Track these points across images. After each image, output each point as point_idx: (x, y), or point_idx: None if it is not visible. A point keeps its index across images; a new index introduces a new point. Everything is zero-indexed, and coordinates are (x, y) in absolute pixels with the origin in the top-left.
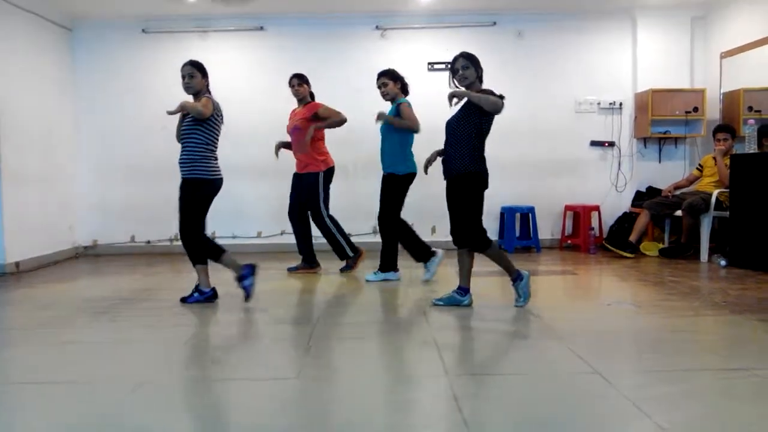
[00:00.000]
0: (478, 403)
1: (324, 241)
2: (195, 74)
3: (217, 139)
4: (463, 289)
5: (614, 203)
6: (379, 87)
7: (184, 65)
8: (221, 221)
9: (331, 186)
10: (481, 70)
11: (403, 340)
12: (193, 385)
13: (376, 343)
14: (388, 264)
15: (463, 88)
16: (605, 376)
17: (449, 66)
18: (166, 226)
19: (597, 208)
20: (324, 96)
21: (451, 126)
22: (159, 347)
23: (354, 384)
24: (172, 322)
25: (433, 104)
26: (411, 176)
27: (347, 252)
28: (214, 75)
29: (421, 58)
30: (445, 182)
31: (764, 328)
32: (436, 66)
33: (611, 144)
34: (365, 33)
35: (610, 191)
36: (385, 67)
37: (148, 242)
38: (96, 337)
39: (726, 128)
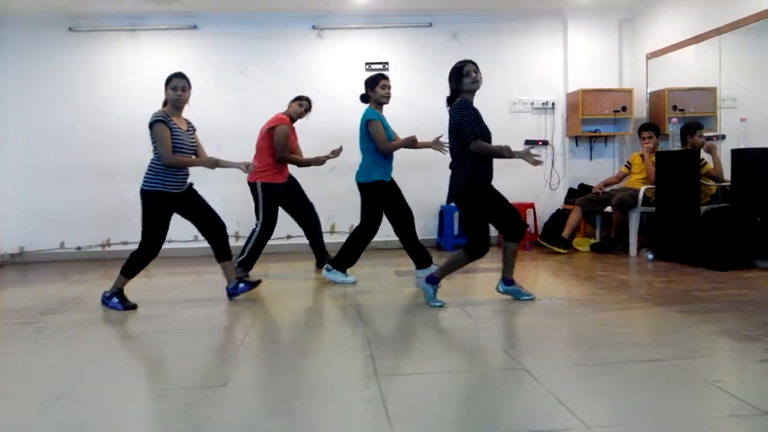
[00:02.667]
0: (404, 403)
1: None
2: (187, 88)
3: None
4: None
5: (548, 200)
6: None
7: (178, 77)
8: None
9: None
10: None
11: (337, 342)
12: (115, 396)
13: (309, 347)
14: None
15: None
16: (531, 371)
17: (461, 69)
18: (98, 232)
19: (532, 206)
20: (261, 96)
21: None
22: (84, 357)
23: (281, 390)
24: (99, 331)
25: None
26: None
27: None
28: (145, 75)
29: (358, 58)
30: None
31: (684, 319)
32: (373, 66)
33: (545, 143)
34: (302, 32)
35: (544, 189)
36: (323, 67)
37: (79, 248)
38: (18, 348)
39: (650, 127)
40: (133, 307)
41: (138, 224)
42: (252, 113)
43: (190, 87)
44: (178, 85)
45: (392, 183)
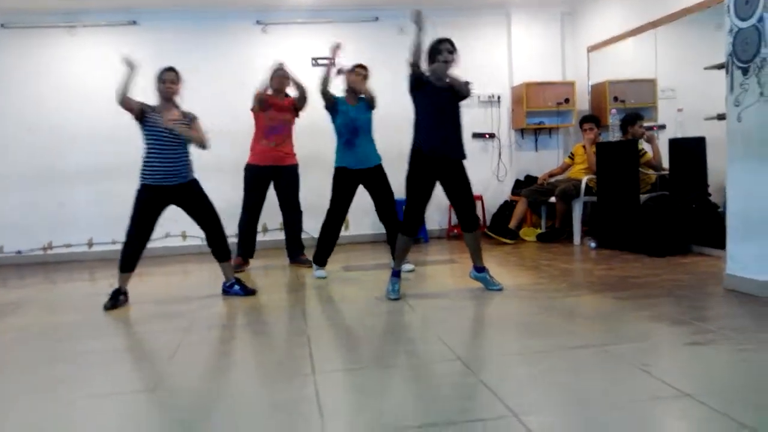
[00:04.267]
0: (338, 399)
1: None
2: (176, 81)
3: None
4: (478, 268)
5: (496, 192)
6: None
7: (167, 70)
8: (101, 226)
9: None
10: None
11: (278, 340)
12: (46, 406)
13: (247, 345)
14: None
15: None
16: (466, 362)
17: (436, 47)
18: (39, 235)
19: (480, 198)
20: (207, 91)
21: (447, 108)
22: (18, 366)
23: (213, 392)
24: (36, 338)
25: (318, 99)
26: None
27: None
28: (85, 72)
29: (304, 53)
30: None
31: (619, 304)
32: (320, 61)
33: (492, 135)
34: (246, 27)
35: (491, 181)
36: (269, 62)
37: (19, 252)
38: None
39: (591, 118)
40: (111, 307)
41: (80, 226)
42: (195, 109)
43: (179, 79)
44: (167, 78)
45: (369, 171)
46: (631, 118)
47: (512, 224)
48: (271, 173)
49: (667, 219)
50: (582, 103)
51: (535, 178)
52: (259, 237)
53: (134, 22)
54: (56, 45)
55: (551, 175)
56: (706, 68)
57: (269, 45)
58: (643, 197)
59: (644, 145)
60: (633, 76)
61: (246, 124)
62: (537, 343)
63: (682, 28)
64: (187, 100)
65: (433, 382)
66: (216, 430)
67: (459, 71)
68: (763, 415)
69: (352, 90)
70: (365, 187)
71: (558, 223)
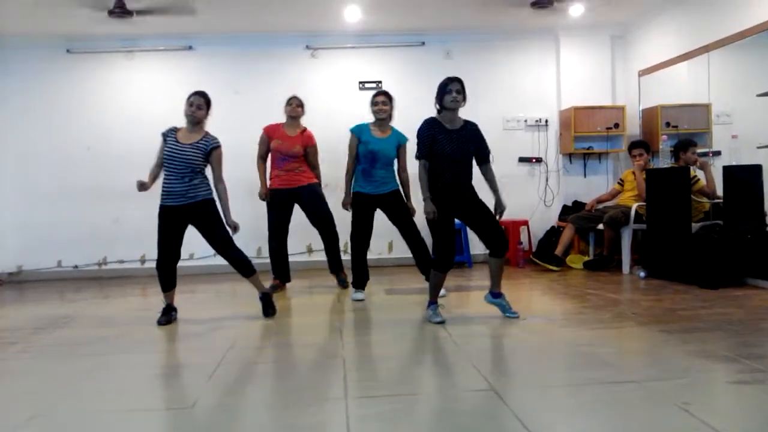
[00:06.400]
0: (368, 426)
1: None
2: (202, 106)
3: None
4: (495, 294)
5: (543, 217)
6: (382, 104)
7: (196, 94)
8: (153, 243)
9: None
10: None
11: (314, 362)
12: (84, 418)
13: (284, 366)
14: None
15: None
16: (500, 392)
17: (444, 87)
18: (94, 250)
19: (526, 223)
20: (255, 115)
21: (466, 158)
22: (62, 378)
23: (248, 411)
24: (83, 351)
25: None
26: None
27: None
28: (141, 95)
29: (351, 77)
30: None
31: (663, 338)
32: (367, 85)
33: (539, 160)
34: (296, 52)
35: (538, 206)
36: (317, 86)
37: (76, 267)
38: (1, 368)
39: (640, 144)
40: (165, 322)
41: (133, 242)
42: (246, 132)
43: (208, 106)
44: (194, 102)
45: (385, 196)
46: (684, 144)
47: (558, 251)
48: (293, 195)
49: (720, 249)
50: (633, 128)
51: (583, 204)
52: (305, 257)
53: (190, 48)
54: (115, 69)
55: (600, 201)
56: (758, 95)
57: (317, 69)
58: (695, 226)
59: (697, 172)
60: (686, 100)
61: None
62: (573, 375)
63: (737, 52)
64: (238, 122)
65: (465, 413)
66: None
67: (506, 94)
68: None
69: (378, 119)
70: (383, 211)
71: (606, 251)
